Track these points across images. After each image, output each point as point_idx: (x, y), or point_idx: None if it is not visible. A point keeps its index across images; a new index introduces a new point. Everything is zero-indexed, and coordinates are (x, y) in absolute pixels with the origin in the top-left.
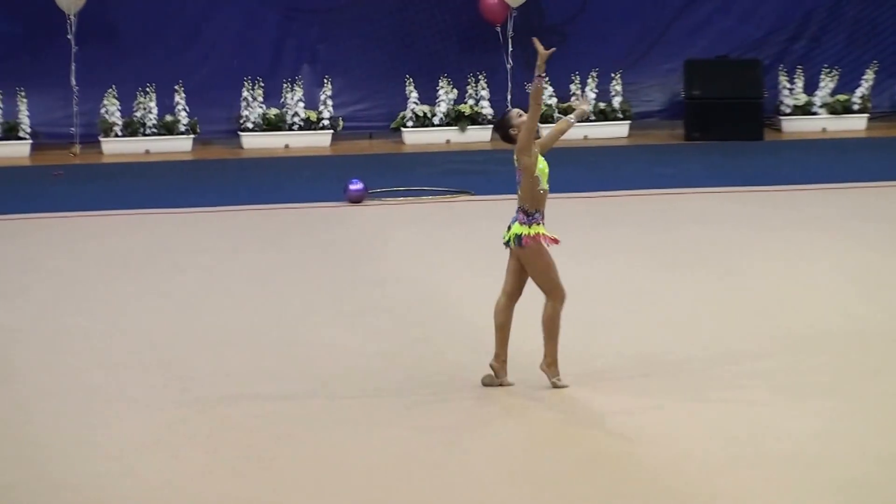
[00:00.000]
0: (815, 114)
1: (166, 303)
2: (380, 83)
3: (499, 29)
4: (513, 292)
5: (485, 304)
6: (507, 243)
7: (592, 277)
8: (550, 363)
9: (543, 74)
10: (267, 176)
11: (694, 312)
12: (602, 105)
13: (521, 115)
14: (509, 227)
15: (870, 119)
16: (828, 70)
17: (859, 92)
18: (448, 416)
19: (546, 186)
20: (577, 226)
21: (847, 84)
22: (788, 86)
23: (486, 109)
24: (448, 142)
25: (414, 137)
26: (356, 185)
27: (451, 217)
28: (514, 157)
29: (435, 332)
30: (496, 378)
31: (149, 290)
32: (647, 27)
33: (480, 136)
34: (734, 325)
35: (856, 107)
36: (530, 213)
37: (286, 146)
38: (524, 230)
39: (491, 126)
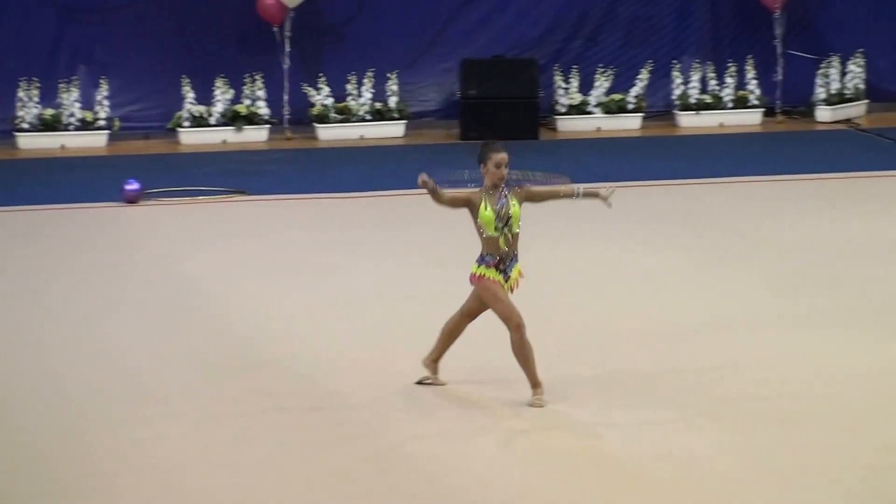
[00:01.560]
0: (590, 113)
1: None
2: (156, 83)
3: (276, 29)
4: (468, 312)
5: (263, 303)
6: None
7: (388, 280)
8: (533, 386)
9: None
10: (43, 176)
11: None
12: (378, 105)
13: (500, 166)
14: None
15: (644, 118)
16: (603, 70)
17: (634, 91)
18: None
19: (493, 234)
20: (362, 226)
21: (622, 83)
22: (564, 85)
23: (263, 110)
24: (224, 142)
25: (190, 137)
26: (132, 186)
27: (228, 216)
28: None
29: (221, 331)
30: (429, 377)
31: None
32: (424, 27)
33: (257, 136)
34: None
35: (630, 106)
36: (483, 255)
37: (62, 147)
38: (473, 267)
39: (268, 126)
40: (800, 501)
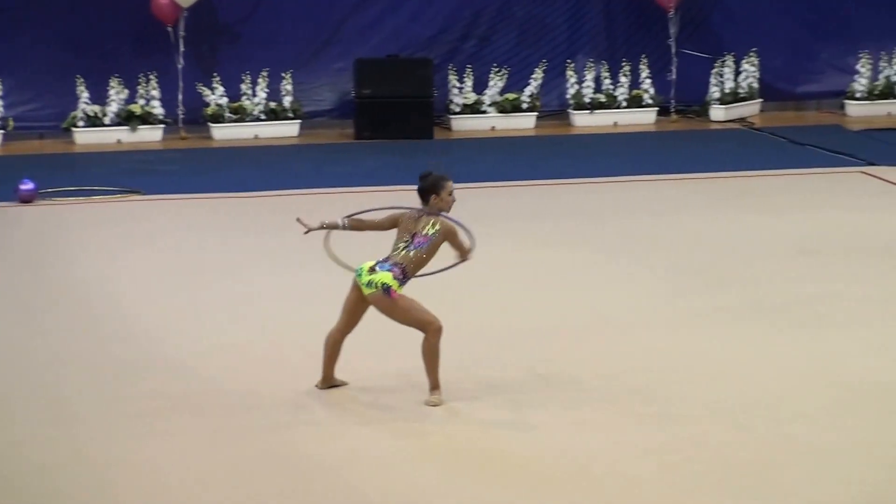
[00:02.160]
0: (484, 112)
1: None
2: (50, 83)
3: (170, 29)
4: (345, 329)
5: (158, 303)
6: (367, 284)
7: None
8: (432, 388)
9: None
10: None
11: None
12: (273, 105)
13: (451, 194)
14: (373, 270)
15: (538, 117)
16: (497, 69)
17: (528, 91)
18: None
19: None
20: (257, 226)
21: (516, 83)
22: (458, 85)
23: (157, 109)
24: (119, 141)
25: (85, 137)
26: (27, 186)
27: (123, 216)
28: (433, 228)
29: (117, 332)
30: (335, 382)
31: None
32: (319, 27)
33: (151, 135)
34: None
35: (525, 105)
36: (408, 274)
37: None
38: (395, 284)
39: (162, 125)
40: (695, 500)
